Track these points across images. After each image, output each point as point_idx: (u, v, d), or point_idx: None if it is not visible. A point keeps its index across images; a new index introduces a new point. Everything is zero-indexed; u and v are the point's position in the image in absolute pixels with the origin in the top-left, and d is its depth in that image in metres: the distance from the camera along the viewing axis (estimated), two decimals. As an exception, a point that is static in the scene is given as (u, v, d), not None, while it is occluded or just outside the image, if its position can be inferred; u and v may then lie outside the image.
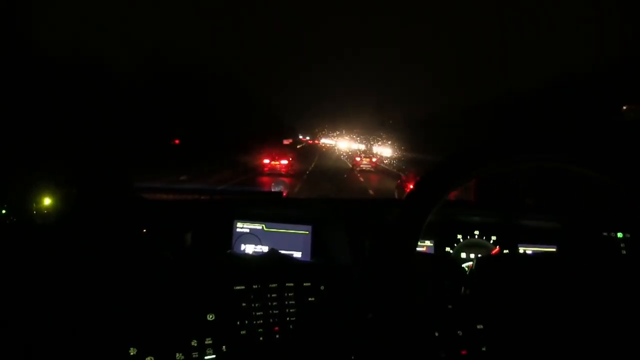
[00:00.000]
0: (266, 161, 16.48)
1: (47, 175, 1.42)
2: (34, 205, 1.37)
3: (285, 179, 13.75)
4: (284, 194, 1.86)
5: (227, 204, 1.71)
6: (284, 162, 16.63)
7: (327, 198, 1.73)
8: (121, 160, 1.75)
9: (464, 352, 0.82)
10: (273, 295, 1.14)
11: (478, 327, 0.84)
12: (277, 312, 1.13)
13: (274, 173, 15.56)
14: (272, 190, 1.89)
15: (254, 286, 1.14)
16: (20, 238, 1.31)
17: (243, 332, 1.07)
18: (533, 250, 1.60)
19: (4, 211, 1.33)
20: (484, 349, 0.82)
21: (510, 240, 1.61)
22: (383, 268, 0.69)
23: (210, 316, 1.06)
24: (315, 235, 1.59)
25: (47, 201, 1.38)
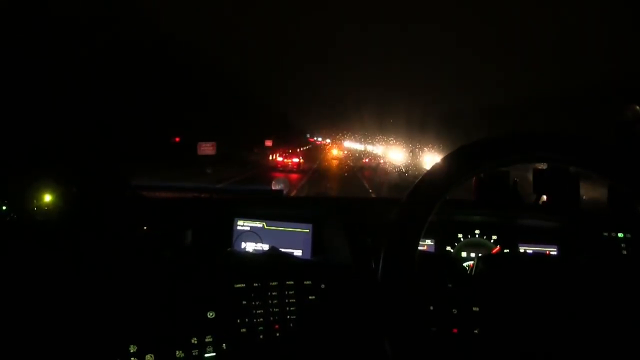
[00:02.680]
0: (280, 159, 19.44)
1: (48, 173, 1.42)
2: (35, 202, 1.37)
3: (294, 175, 16.00)
4: (285, 192, 1.86)
5: (228, 202, 1.71)
6: (295, 160, 19.65)
7: (327, 197, 1.73)
8: (122, 158, 1.75)
9: (455, 331, 0.82)
10: (273, 294, 1.14)
11: (474, 309, 0.84)
12: (277, 310, 1.13)
13: (286, 169, 18.15)
14: (273, 188, 1.89)
15: (254, 284, 1.14)
16: (20, 235, 1.31)
17: (243, 330, 1.07)
18: (534, 250, 1.60)
19: (4, 208, 1.34)
20: (476, 331, 0.82)
21: (511, 240, 1.61)
22: (388, 267, 0.70)
23: (211, 314, 1.06)
24: (315, 233, 1.59)
25: (47, 198, 1.38)
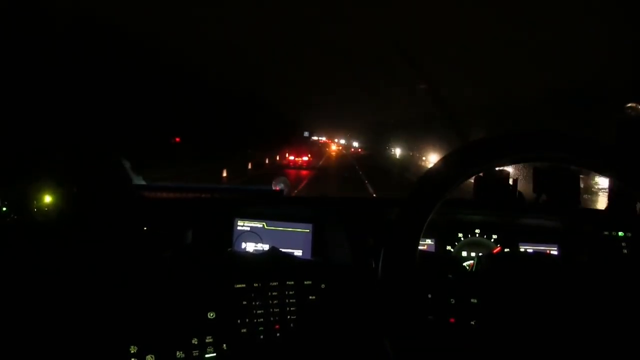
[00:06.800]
0: (291, 157, 21.21)
1: (48, 173, 1.42)
2: (35, 203, 1.37)
3: (303, 172, 17.55)
4: (285, 192, 1.85)
5: (228, 202, 1.71)
6: (305, 158, 21.35)
7: (327, 197, 1.73)
8: (122, 158, 1.75)
9: (452, 320, 0.82)
10: (274, 294, 1.14)
11: (472, 300, 0.83)
12: (277, 310, 1.13)
13: (296, 166, 19.83)
14: (273, 188, 1.88)
15: (254, 284, 1.14)
16: (20, 236, 1.31)
17: (244, 330, 1.07)
18: (534, 249, 1.60)
19: (4, 209, 1.34)
20: (472, 322, 0.82)
21: (511, 239, 1.61)
22: (388, 266, 0.70)
23: (211, 314, 1.06)
24: (316, 233, 1.59)
25: (47, 199, 1.38)
